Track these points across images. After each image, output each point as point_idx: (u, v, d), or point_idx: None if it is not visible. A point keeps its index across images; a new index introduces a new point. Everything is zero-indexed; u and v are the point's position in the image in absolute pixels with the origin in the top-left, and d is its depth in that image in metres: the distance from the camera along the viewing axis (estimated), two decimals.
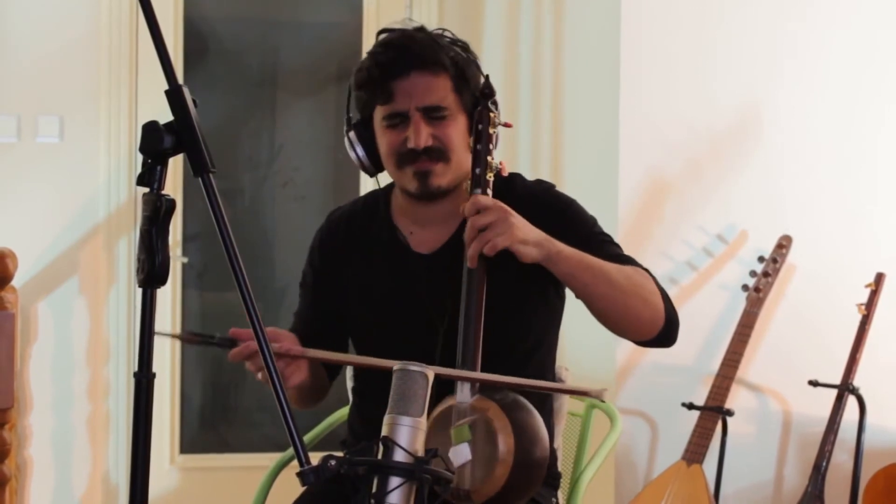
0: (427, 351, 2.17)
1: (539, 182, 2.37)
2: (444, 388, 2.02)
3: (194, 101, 1.58)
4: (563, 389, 2.41)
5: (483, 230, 2.07)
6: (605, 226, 2.34)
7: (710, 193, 3.93)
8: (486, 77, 2.25)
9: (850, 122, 4.03)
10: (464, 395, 2.03)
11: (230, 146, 4.49)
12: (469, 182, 2.18)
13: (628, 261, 2.24)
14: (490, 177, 2.17)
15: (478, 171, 2.16)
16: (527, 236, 2.07)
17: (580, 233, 2.24)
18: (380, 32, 2.30)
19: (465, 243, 2.11)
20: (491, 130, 2.21)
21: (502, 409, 2.00)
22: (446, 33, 2.30)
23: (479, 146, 2.19)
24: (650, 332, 2.19)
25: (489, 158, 2.18)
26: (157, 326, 1.58)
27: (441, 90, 2.22)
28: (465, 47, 2.30)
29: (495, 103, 2.24)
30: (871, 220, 4.06)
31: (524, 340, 2.29)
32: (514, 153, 4.09)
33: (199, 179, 1.54)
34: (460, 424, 2.00)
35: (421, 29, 2.29)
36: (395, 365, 1.65)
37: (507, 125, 2.26)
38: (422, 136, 2.19)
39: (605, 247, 2.24)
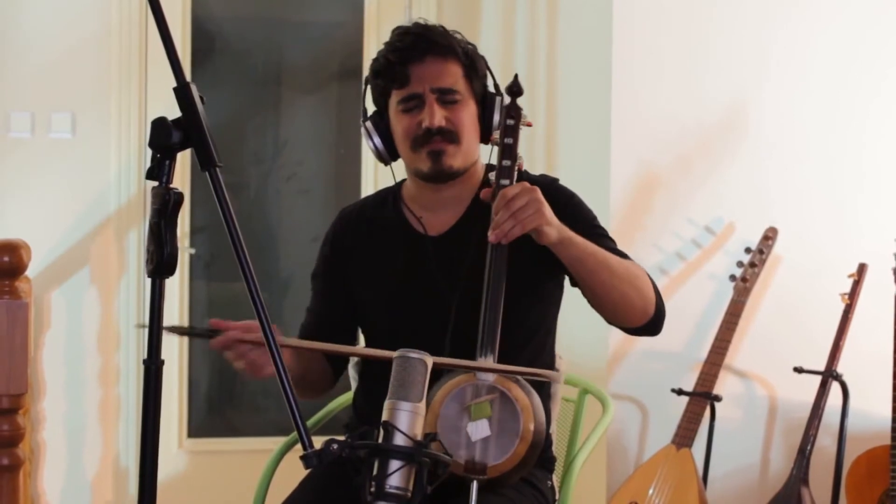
0: (438, 330, 2.25)
1: (544, 176, 2.45)
2: (459, 356, 2.10)
3: (201, 98, 1.60)
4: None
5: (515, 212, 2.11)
6: (598, 218, 2.41)
7: (699, 187, 3.98)
8: (515, 76, 2.32)
9: (834, 118, 4.07)
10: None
11: (236, 141, 4.48)
12: (495, 174, 2.22)
13: (623, 256, 2.31)
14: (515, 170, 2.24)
15: (506, 163, 2.22)
16: (551, 218, 2.14)
17: (580, 225, 2.29)
18: (396, 29, 2.40)
19: (493, 224, 2.13)
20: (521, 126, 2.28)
21: (522, 389, 2.07)
22: (457, 34, 2.40)
23: (507, 140, 2.25)
24: (640, 320, 2.28)
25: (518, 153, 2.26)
26: (166, 315, 1.60)
27: (453, 75, 2.33)
28: (474, 48, 2.40)
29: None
30: (853, 212, 4.10)
31: (525, 321, 2.35)
32: None
33: (206, 173, 1.58)
34: (481, 401, 2.04)
35: (435, 25, 2.40)
36: (396, 352, 1.71)
37: (528, 124, 2.32)
38: (436, 116, 2.29)
39: (602, 241, 2.31)
